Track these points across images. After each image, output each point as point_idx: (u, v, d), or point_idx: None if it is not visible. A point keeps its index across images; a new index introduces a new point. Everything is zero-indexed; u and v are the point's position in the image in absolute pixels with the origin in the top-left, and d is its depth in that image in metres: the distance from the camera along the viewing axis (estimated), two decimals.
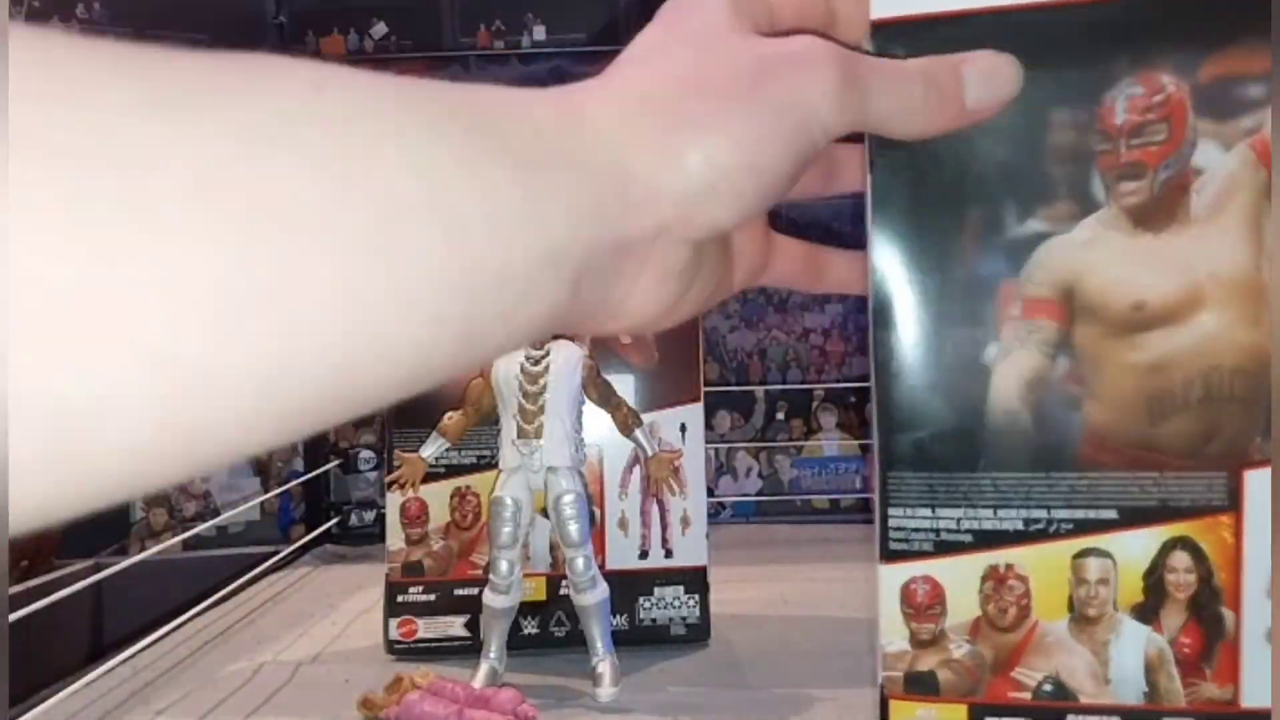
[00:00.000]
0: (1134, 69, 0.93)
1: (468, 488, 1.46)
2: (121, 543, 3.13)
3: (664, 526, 1.47)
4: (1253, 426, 0.97)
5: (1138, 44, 0.93)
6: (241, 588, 1.91)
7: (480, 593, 1.37)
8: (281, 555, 2.08)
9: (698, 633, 1.50)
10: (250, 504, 2.61)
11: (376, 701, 1.19)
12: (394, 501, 1.43)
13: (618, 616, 1.47)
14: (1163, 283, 0.95)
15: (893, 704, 1.06)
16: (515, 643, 1.40)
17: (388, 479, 1.39)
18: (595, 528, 1.50)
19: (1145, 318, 0.96)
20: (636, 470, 1.49)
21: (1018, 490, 0.95)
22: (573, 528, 1.38)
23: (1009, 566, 0.98)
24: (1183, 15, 0.92)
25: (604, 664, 1.40)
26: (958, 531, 1.02)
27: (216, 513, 3.23)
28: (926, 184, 1.02)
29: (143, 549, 2.95)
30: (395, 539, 1.47)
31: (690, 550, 1.45)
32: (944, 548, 1.03)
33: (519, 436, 1.37)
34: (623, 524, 1.44)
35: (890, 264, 0.99)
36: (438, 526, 1.48)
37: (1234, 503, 0.92)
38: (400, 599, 1.45)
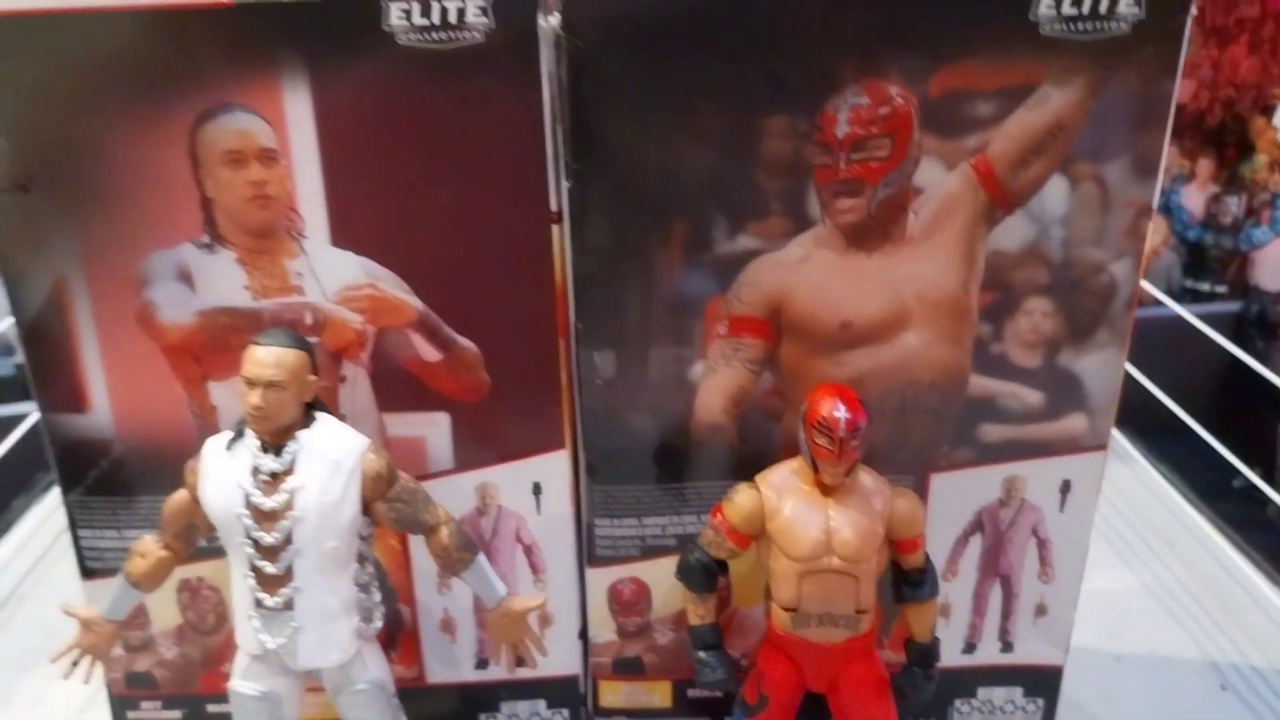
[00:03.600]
0: (860, 75, 0.80)
1: (200, 580, 0.97)
2: None
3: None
4: (941, 435, 0.98)
5: (866, 46, 0.79)
6: None
7: None
8: None
9: None
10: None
11: None
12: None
13: None
14: (871, 303, 0.89)
15: (601, 684, 1.11)
16: None
17: (54, 656, 0.87)
18: None
19: (850, 336, 0.91)
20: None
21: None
22: None
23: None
24: (917, 18, 0.78)
25: None
26: (663, 537, 1.01)
27: (10, 350, 2.69)
28: (629, 193, 0.87)
29: None
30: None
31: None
32: (650, 551, 1.03)
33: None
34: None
35: (592, 280, 0.88)
36: (166, 630, 1.00)
37: None
38: (132, 715, 1.03)
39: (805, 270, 0.86)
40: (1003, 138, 0.81)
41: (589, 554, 0.98)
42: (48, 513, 1.60)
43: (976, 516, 0.98)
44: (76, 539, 0.97)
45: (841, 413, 0.80)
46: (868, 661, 0.89)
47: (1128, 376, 0.94)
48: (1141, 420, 1.63)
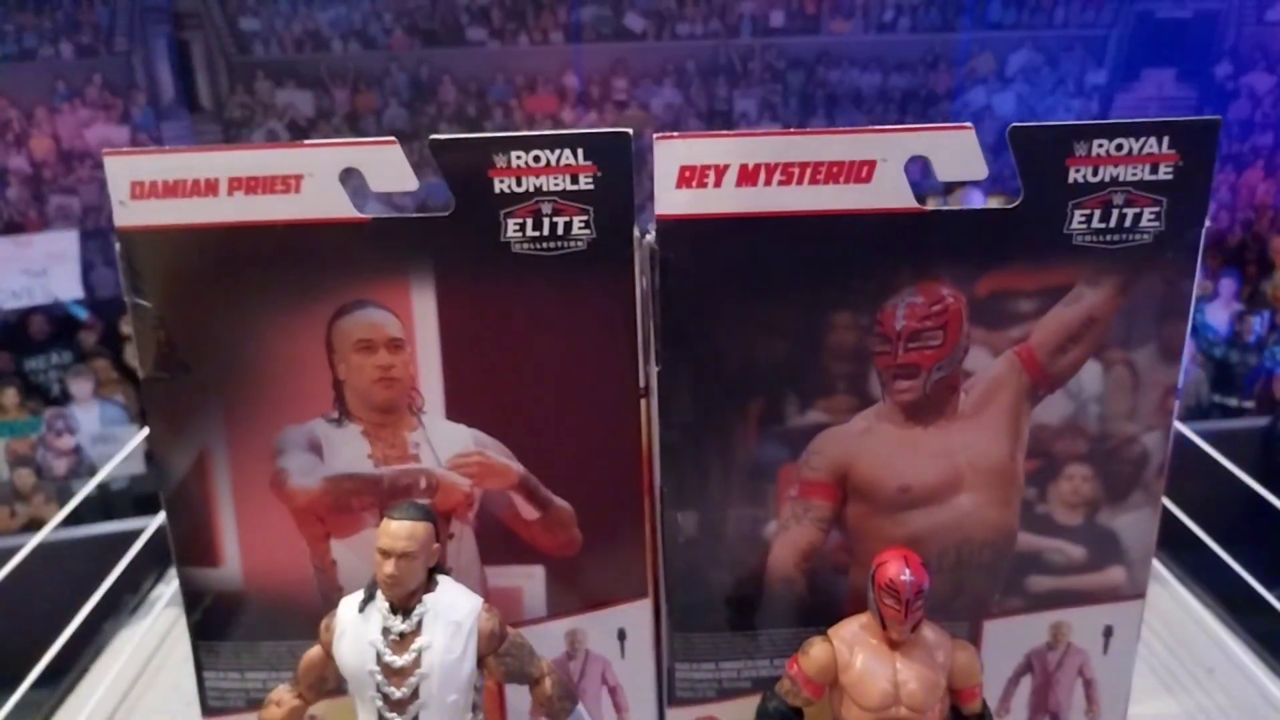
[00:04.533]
0: (915, 279, 0.92)
1: (313, 717, 0.99)
2: None
3: None
4: (993, 586, 1.08)
5: (920, 257, 0.91)
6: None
7: None
8: None
9: None
10: (128, 450, 1.99)
11: None
12: None
13: None
14: (928, 470, 1.00)
15: None
16: None
17: None
18: None
19: (910, 499, 1.01)
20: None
21: (792, 643, 1.01)
22: None
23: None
24: (963, 234, 0.90)
25: None
26: (738, 680, 1.09)
27: (93, 470, 2.77)
28: (710, 375, 0.99)
29: (12, 514, 2.53)
30: None
31: None
32: (726, 693, 1.11)
33: None
34: None
35: (677, 449, 0.99)
36: None
37: None
38: None
39: (868, 441, 0.96)
40: (1042, 329, 0.92)
41: (669, 695, 1.06)
42: (141, 636, 1.69)
43: (1026, 659, 1.06)
44: (201, 680, 1.06)
45: (907, 576, 0.89)
46: None
47: None
48: (1174, 542, 1.69)
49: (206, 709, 1.07)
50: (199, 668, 1.06)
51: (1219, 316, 2.65)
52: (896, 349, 0.93)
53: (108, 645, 1.69)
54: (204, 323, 0.95)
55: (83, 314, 3.46)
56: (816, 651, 0.94)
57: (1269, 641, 1.59)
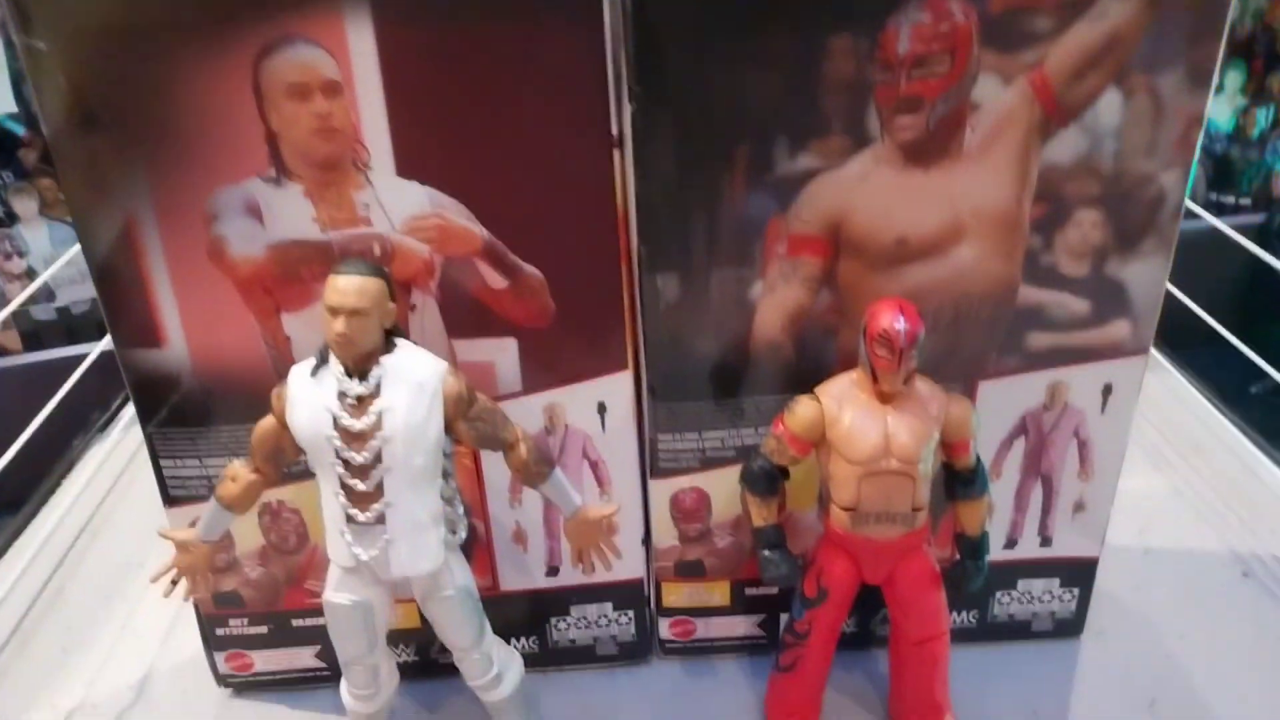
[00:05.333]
0: None
1: (280, 503, 1.01)
2: None
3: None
4: (991, 344, 1.01)
5: None
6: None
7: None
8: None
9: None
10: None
11: None
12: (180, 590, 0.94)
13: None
14: (927, 219, 0.91)
15: (665, 586, 1.16)
16: None
17: (153, 577, 0.92)
18: None
19: (906, 252, 0.93)
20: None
21: (778, 411, 0.96)
22: (464, 633, 0.91)
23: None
24: None
25: None
26: (722, 449, 1.04)
27: (52, 295, 2.66)
28: (691, 116, 0.88)
29: None
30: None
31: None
32: (710, 463, 1.06)
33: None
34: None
35: (655, 205, 0.90)
36: (250, 552, 1.04)
37: None
38: (221, 632, 1.09)
39: (864, 188, 0.88)
40: (1060, 51, 0.82)
41: (652, 467, 1.02)
42: (109, 450, 1.65)
43: (1021, 420, 1.02)
44: (159, 469, 1.00)
45: (901, 325, 0.83)
46: (920, 556, 0.94)
47: None
48: (1170, 331, 1.67)
49: (168, 498, 1.02)
50: (154, 456, 1.00)
51: (1222, 111, 2.54)
52: (899, 77, 0.83)
53: (79, 461, 1.65)
54: (112, 66, 0.83)
55: (19, 129, 3.24)
56: (803, 409, 0.90)
57: (1257, 424, 1.59)
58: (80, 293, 2.86)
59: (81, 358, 1.65)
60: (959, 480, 0.93)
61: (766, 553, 0.94)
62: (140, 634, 1.24)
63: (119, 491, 1.57)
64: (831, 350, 0.96)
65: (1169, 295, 0.98)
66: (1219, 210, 2.45)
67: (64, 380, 1.59)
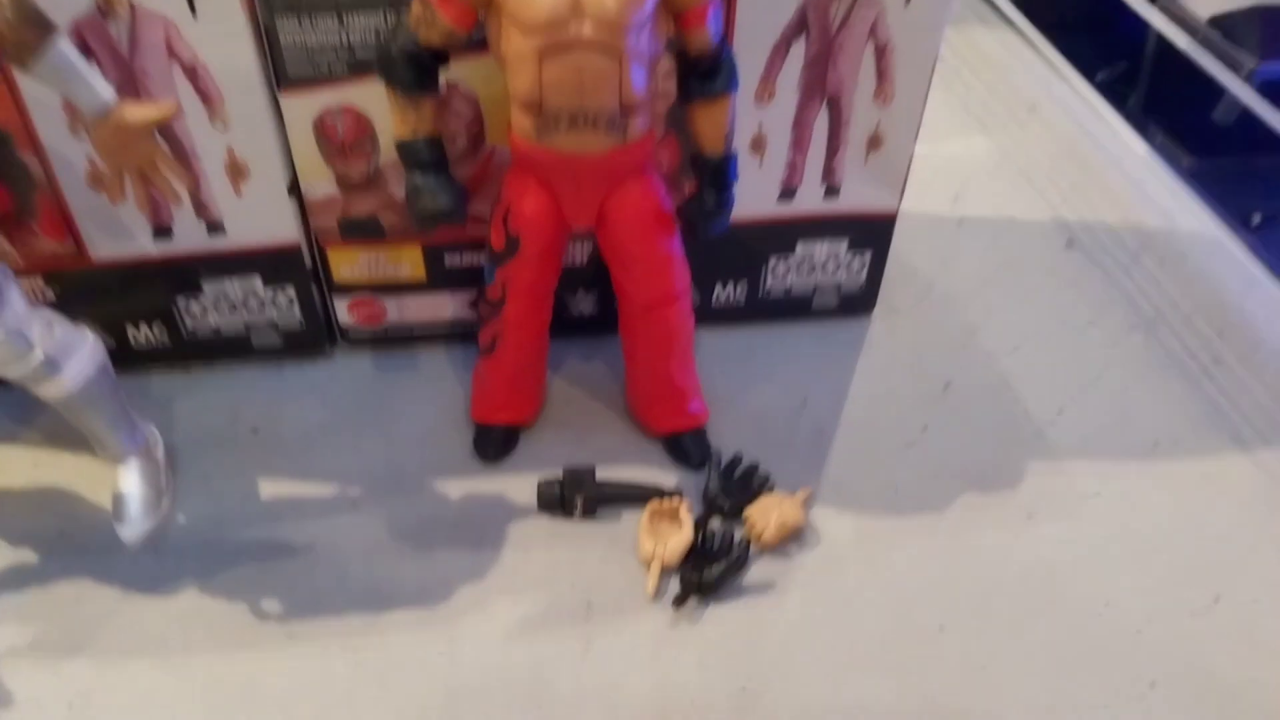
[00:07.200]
0: None
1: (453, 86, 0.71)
2: None
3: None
4: None
5: None
6: None
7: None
8: None
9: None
10: None
11: None
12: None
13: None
14: None
15: (330, 253, 0.86)
16: None
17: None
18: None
19: None
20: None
21: None
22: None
23: (453, 86, 0.73)
24: None
25: (129, 474, 0.79)
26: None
27: None
28: None
29: None
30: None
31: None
32: (362, 67, 0.74)
33: None
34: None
35: None
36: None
37: None
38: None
39: None
40: None
41: (278, 73, 0.72)
42: None
43: (799, 12, 0.74)
44: None
45: None
46: (641, 184, 0.68)
47: None
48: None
49: None
50: None
51: None
52: None
53: None
54: None
55: None
56: None
57: (1095, 82, 1.38)
58: None
59: None
60: (694, 72, 0.66)
61: (418, 178, 0.67)
62: None
63: None
64: None
65: None
66: None
67: None
